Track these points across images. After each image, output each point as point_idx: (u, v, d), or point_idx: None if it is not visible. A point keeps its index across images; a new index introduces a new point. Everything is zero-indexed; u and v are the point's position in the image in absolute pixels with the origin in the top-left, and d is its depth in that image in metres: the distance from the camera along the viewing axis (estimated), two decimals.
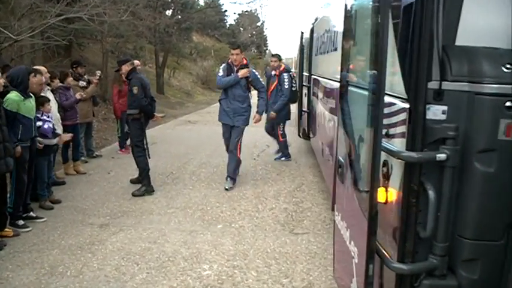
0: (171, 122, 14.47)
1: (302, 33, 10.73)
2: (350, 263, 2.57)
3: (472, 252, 2.07)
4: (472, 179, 2.02)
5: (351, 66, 2.77)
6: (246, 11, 48.60)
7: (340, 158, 2.89)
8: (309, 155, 8.89)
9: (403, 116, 2.13)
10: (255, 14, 50.60)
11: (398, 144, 2.17)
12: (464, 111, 2.01)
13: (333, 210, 4.83)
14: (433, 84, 2.01)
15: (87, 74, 8.68)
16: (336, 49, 5.06)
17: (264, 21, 47.58)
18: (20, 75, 4.89)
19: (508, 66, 1.97)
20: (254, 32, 52.02)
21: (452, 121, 2.01)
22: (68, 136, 6.29)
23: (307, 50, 9.16)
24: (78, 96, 7.24)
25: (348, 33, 2.78)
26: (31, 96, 5.08)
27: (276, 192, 6.55)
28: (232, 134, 6.73)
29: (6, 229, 4.84)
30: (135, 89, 6.47)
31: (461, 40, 2.13)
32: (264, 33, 53.30)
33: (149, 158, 6.65)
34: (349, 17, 2.81)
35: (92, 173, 7.59)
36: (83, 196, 6.31)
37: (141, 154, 6.63)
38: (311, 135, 8.24)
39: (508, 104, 1.93)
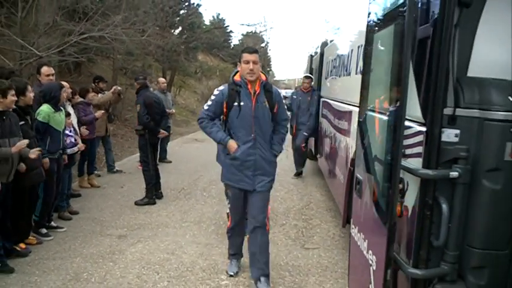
0: (177, 140, 14.73)
1: (311, 56, 11.07)
2: (367, 271, 2.81)
3: (480, 261, 2.31)
4: (481, 195, 2.27)
5: (371, 93, 3.04)
6: (251, 32, 49.25)
7: (358, 176, 3.15)
8: (315, 175, 9.13)
9: (419, 138, 2.39)
10: (260, 35, 51.25)
11: (415, 162, 2.42)
12: (475, 134, 2.27)
13: (343, 226, 5.09)
14: (448, 111, 2.28)
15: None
16: (349, 74, 5.35)
17: (268, 42, 48.10)
18: (53, 90, 5.18)
19: None
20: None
21: (464, 143, 2.27)
22: (83, 146, 6.51)
23: (317, 73, 9.48)
24: (97, 114, 7.49)
25: (369, 61, 3.07)
26: (61, 110, 5.37)
27: (285, 209, 6.78)
28: (252, 203, 4.15)
29: (31, 237, 5.07)
30: (137, 107, 6.89)
31: (472, 72, 2.41)
32: (268, 54, 53.89)
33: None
34: (370, 46, 3.10)
35: (106, 187, 7.84)
36: (99, 208, 6.55)
37: (146, 168, 6.98)
38: (319, 156, 8.49)
39: None
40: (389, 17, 2.68)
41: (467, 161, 2.26)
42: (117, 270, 4.50)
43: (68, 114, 5.86)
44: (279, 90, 4.29)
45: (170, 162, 10.26)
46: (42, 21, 9.67)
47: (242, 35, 47.69)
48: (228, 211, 4.59)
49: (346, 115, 5.34)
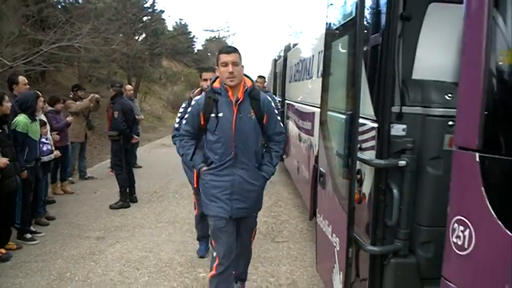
0: (146, 146, 14.86)
1: (275, 60, 11.47)
2: (332, 253, 3.16)
3: (427, 236, 2.68)
4: (426, 180, 2.65)
5: (330, 95, 3.41)
6: (214, 37, 49.41)
7: (322, 169, 3.51)
8: (282, 174, 9.50)
9: (373, 133, 2.76)
10: (223, 40, 51.50)
11: (369, 154, 2.79)
12: (419, 128, 2.65)
13: (310, 219, 5.45)
14: (395, 109, 2.65)
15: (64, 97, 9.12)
16: (311, 77, 5.73)
17: None
18: (30, 100, 5.37)
19: (450, 95, 2.63)
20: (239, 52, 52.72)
21: (410, 136, 2.65)
22: (57, 153, 6.68)
23: (281, 77, 9.88)
24: (69, 119, 7.68)
25: (328, 66, 3.44)
26: (36, 120, 5.55)
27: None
28: (241, 230, 3.72)
29: (10, 242, 5.23)
30: (115, 113, 7.14)
31: (416, 75, 2.80)
32: None
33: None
34: (329, 52, 3.47)
35: (79, 193, 8.00)
36: (74, 213, 6.73)
37: (120, 172, 7.23)
38: (285, 156, 8.87)
39: (450, 123, 2.58)
40: (345, 28, 3.06)
41: (413, 152, 2.63)
42: (99, 269, 4.73)
43: (44, 123, 6.03)
44: (269, 97, 3.70)
45: (140, 167, 10.44)
46: (7, 30, 9.74)
47: (206, 40, 47.88)
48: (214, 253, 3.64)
49: (309, 116, 5.73)
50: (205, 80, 4.35)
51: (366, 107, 2.81)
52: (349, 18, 2.98)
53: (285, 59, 9.40)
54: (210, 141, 3.45)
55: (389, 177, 2.67)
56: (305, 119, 6.07)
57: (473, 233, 1.71)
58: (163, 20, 30.89)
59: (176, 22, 39.70)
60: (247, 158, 3.43)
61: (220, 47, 3.70)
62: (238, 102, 3.37)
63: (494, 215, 1.62)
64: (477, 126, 1.68)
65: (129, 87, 11.10)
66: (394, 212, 2.65)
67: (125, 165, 7.24)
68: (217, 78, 3.49)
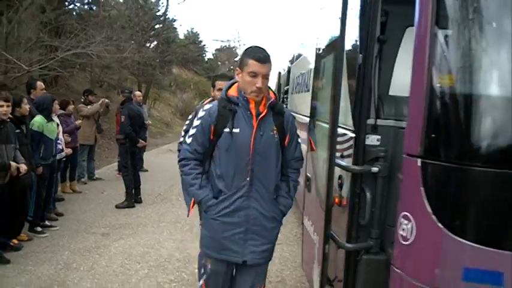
0: (154, 151, 15.26)
1: (279, 73, 11.87)
2: (313, 250, 3.49)
3: None
4: (396, 185, 2.98)
5: (318, 106, 3.77)
6: (225, 46, 49.99)
7: (308, 174, 3.86)
8: None
9: (351, 142, 3.10)
10: (233, 49, 52.08)
11: (348, 161, 3.13)
12: (392, 139, 2.98)
13: (302, 223, 5.78)
14: (370, 121, 3.00)
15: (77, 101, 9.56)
16: (308, 90, 6.08)
17: None
18: (46, 102, 5.80)
19: None
20: (232, 67, 53.35)
21: (383, 146, 2.97)
22: (69, 151, 7.10)
23: (284, 88, 10.26)
24: (78, 122, 8.09)
25: (316, 81, 3.80)
26: (53, 120, 5.96)
27: None
28: (240, 283, 3.01)
29: (22, 234, 5.60)
30: (122, 118, 7.57)
31: (392, 91, 3.15)
32: None
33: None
34: (317, 69, 3.83)
35: (87, 192, 8.39)
36: (82, 211, 7.10)
37: (126, 173, 7.65)
38: None
39: None
40: (330, 47, 3.42)
41: (385, 159, 2.95)
42: (103, 261, 5.09)
43: (58, 125, 6.44)
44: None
45: (147, 171, 10.81)
46: (25, 36, 10.23)
47: (216, 49, 48.50)
48: None
49: (304, 126, 6.07)
50: (220, 89, 3.57)
51: (348, 119, 3.15)
52: (333, 40, 3.33)
53: (289, 71, 9.77)
54: (220, 165, 2.77)
55: (363, 182, 2.99)
56: (301, 129, 6.41)
57: (414, 226, 2.05)
58: (175, 28, 31.57)
59: (188, 31, 40.41)
60: (265, 186, 2.82)
61: (250, 48, 2.84)
62: (260, 116, 2.77)
63: (430, 211, 1.95)
64: (419, 137, 2.02)
65: (138, 93, 11.51)
66: (367, 213, 2.96)
67: (130, 168, 7.63)
68: (233, 84, 2.89)
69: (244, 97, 2.76)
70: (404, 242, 2.13)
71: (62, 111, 7.88)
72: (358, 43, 3.16)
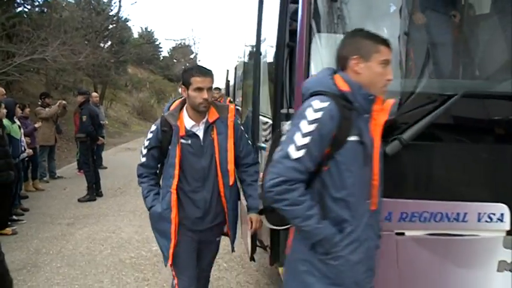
0: (112, 149, 15.75)
1: (227, 70, 12.69)
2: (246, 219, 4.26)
3: None
4: None
5: (246, 99, 4.54)
6: (180, 44, 50.17)
7: None
8: None
9: (270, 128, 3.88)
10: (189, 47, 52.32)
11: (268, 145, 3.91)
12: None
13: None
14: (284, 110, 3.78)
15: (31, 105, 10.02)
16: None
17: (197, 54, 49.25)
18: (9, 106, 6.35)
19: None
20: (188, 64, 53.52)
21: None
22: (30, 152, 7.64)
23: (233, 85, 11.06)
24: (36, 125, 8.60)
25: (246, 79, 4.57)
26: (15, 122, 6.51)
27: None
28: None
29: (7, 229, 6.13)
30: (84, 117, 8.16)
31: None
32: None
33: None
34: (246, 68, 4.61)
35: (50, 190, 8.93)
36: (46, 206, 7.67)
37: (88, 170, 8.25)
38: None
39: None
40: (252, 53, 4.19)
41: None
42: (70, 246, 5.73)
43: (19, 127, 6.99)
44: None
45: (106, 168, 11.35)
46: None
47: (172, 47, 48.56)
48: None
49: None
50: (199, 89, 2.85)
51: (268, 109, 3.93)
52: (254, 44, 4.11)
53: (236, 69, 10.55)
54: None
55: None
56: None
57: None
58: (130, 28, 31.78)
59: (142, 29, 40.49)
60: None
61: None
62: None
63: None
64: None
65: (94, 94, 12.06)
66: None
67: (91, 164, 8.22)
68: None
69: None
70: None
71: (20, 114, 8.38)
72: (273, 48, 3.94)
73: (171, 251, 3.02)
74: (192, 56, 53.69)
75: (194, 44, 45.46)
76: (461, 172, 2.75)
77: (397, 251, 2.73)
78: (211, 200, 3.06)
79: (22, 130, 7.49)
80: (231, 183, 3.07)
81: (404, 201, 2.67)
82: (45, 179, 9.56)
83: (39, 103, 9.43)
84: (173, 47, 48.64)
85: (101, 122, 9.75)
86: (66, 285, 4.58)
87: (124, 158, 13.71)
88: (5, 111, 5.92)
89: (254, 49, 4.19)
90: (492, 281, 2.83)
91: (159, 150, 3.07)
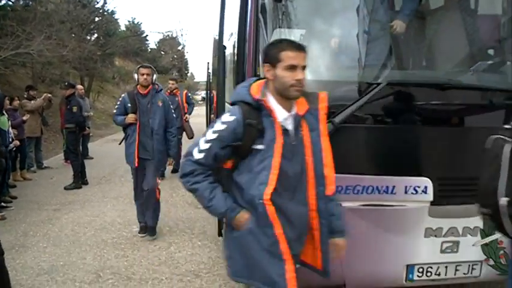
0: (98, 141, 16.11)
1: (208, 63, 13.05)
2: None
3: None
4: None
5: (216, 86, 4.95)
6: (167, 36, 50.23)
7: None
8: None
9: None
10: (176, 39, 52.41)
11: None
12: None
13: None
14: None
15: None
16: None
17: (184, 45, 49.45)
18: None
19: None
20: (175, 56, 53.65)
21: None
22: (17, 143, 8.01)
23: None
24: (25, 118, 8.95)
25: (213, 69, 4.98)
26: (4, 114, 6.88)
27: None
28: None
29: None
30: (74, 108, 8.53)
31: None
32: (185, 57, 55.20)
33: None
34: (213, 61, 5.01)
35: (37, 179, 9.32)
36: (34, 194, 8.05)
37: (74, 158, 8.65)
38: None
39: None
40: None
41: None
42: (56, 228, 6.13)
43: (7, 119, 7.35)
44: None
45: (92, 158, 11.72)
46: None
47: (159, 39, 48.59)
48: None
49: None
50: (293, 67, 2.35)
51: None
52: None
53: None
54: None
55: None
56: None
57: None
58: (116, 20, 31.94)
59: (129, 21, 40.60)
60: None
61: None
62: None
63: None
64: None
65: (80, 86, 12.38)
66: None
67: (79, 153, 8.63)
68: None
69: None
70: None
71: (9, 106, 8.72)
72: (234, 42, 4.35)
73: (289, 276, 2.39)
74: (179, 48, 53.87)
75: (182, 35, 45.38)
76: (388, 150, 3.19)
77: None
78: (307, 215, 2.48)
79: (10, 122, 7.85)
80: (329, 192, 2.51)
81: (339, 176, 3.10)
82: (32, 169, 9.93)
83: (25, 96, 9.78)
84: (160, 39, 48.73)
85: (85, 113, 10.08)
86: (52, 262, 4.98)
87: (110, 148, 14.03)
88: None
89: (218, 42, 4.59)
90: (420, 245, 3.30)
91: (233, 150, 2.36)
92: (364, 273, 3.35)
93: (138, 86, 5.52)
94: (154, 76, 5.60)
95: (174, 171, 9.05)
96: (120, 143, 5.85)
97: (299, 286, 2.49)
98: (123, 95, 5.75)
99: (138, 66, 5.70)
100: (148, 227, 5.74)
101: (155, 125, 5.44)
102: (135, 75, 5.56)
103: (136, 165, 5.48)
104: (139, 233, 5.80)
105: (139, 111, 5.43)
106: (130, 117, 5.39)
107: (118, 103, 5.67)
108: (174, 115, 5.96)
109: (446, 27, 3.66)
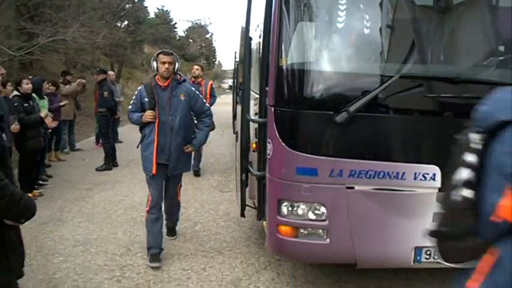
0: (127, 126, 16.41)
1: (235, 52, 13.32)
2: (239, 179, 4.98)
3: None
4: None
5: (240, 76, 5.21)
6: (196, 24, 50.55)
7: (237, 129, 5.33)
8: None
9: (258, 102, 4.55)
10: (205, 27, 52.72)
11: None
12: None
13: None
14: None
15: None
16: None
17: (212, 34, 49.73)
18: (37, 83, 7.16)
19: None
20: (203, 44, 54.04)
21: None
22: (55, 123, 8.48)
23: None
24: (61, 103, 9.40)
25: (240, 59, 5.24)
26: (44, 98, 7.33)
27: (212, 170, 8.96)
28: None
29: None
30: (105, 93, 8.96)
31: None
32: (213, 45, 55.56)
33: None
34: (240, 51, 5.26)
35: (70, 160, 9.79)
36: (67, 174, 8.50)
37: (106, 141, 9.11)
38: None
39: None
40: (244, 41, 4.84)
41: None
42: (89, 206, 6.54)
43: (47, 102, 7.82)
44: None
45: (121, 142, 12.15)
46: (3, 23, 11.37)
47: (188, 27, 48.93)
48: None
49: None
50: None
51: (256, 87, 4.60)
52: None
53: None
54: None
55: (263, 130, 4.45)
56: None
57: (272, 146, 3.53)
58: (146, 7, 32.44)
59: (158, 9, 41.07)
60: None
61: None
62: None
63: (279, 137, 3.43)
64: (272, 96, 3.49)
65: (111, 73, 12.81)
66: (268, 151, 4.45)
67: (110, 136, 9.08)
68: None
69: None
70: (268, 157, 3.62)
71: (48, 91, 9.17)
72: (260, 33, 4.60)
73: None
74: (207, 36, 54.23)
75: (210, 24, 45.66)
76: (399, 139, 3.43)
77: (347, 201, 3.43)
78: None
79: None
80: None
81: (353, 161, 3.37)
82: (65, 150, 10.42)
83: (61, 80, 10.26)
84: (189, 27, 49.03)
85: (116, 99, 10.49)
86: (86, 235, 5.39)
87: (139, 133, 14.48)
88: (30, 86, 6.69)
89: (245, 33, 4.84)
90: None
91: None
92: (374, 253, 3.60)
93: (157, 77, 4.62)
94: (177, 65, 4.69)
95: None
96: (138, 146, 5.07)
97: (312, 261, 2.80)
98: (139, 87, 4.88)
99: (158, 52, 4.72)
100: (168, 228, 5.35)
101: (175, 124, 4.63)
102: (154, 63, 4.64)
103: (154, 172, 4.62)
104: (150, 262, 4.61)
105: (159, 107, 4.58)
106: (149, 115, 4.55)
107: (133, 98, 4.81)
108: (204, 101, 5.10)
109: (467, 21, 3.82)
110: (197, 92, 4.94)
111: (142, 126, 4.79)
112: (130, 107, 4.81)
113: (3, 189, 1.93)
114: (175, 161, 4.69)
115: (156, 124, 4.56)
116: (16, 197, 2.01)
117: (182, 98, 4.65)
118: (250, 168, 4.62)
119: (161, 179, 4.78)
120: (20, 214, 2.10)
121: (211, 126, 5.15)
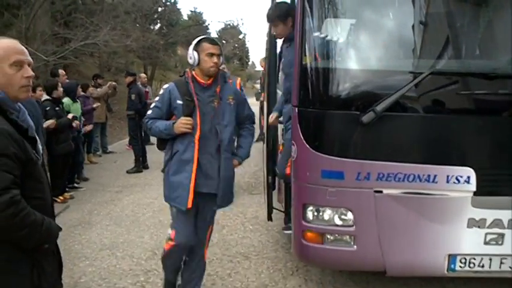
0: None
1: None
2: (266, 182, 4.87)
3: None
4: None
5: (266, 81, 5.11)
6: (229, 24, 50.82)
7: (263, 131, 5.22)
8: None
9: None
10: (237, 27, 52.94)
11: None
12: None
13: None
14: None
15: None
16: None
17: (245, 34, 49.85)
18: (72, 87, 7.32)
19: None
20: (236, 45, 54.27)
21: None
22: (90, 127, 8.63)
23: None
24: (94, 106, 9.52)
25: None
26: (77, 101, 7.44)
27: (242, 172, 8.87)
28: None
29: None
30: (133, 96, 9.00)
31: None
32: (246, 46, 55.69)
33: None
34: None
35: (102, 163, 9.93)
36: (99, 176, 8.60)
37: (135, 143, 9.16)
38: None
39: None
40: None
41: None
42: (118, 209, 6.56)
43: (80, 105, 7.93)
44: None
45: (152, 144, 12.18)
46: (39, 29, 11.63)
47: (221, 29, 49.22)
48: None
49: None
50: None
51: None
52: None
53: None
54: None
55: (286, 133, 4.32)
56: None
57: (296, 149, 3.39)
58: (178, 9, 32.77)
59: (191, 11, 41.42)
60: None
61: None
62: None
63: (303, 139, 3.30)
64: (296, 96, 3.35)
65: (143, 75, 12.94)
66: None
67: (139, 139, 9.11)
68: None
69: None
70: (292, 159, 3.48)
71: (82, 94, 9.31)
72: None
73: None
74: (240, 37, 54.40)
75: (243, 24, 45.75)
76: (430, 139, 3.23)
77: (375, 206, 3.26)
78: None
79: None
80: None
81: (381, 163, 3.19)
82: (98, 153, 10.57)
83: (92, 84, 10.41)
84: (222, 28, 49.34)
85: (148, 101, 10.55)
86: (113, 238, 5.38)
87: None
88: (61, 89, 6.77)
89: (269, 32, 4.72)
90: (463, 235, 3.29)
91: None
92: (404, 261, 3.39)
93: (194, 72, 3.44)
94: (221, 59, 3.46)
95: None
96: (163, 170, 3.90)
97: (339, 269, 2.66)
98: (165, 85, 3.61)
99: (199, 38, 3.49)
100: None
101: (225, 136, 3.43)
102: (194, 54, 3.39)
103: (189, 206, 3.42)
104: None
105: (200, 113, 3.35)
106: (185, 123, 3.28)
107: (157, 99, 3.53)
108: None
109: (504, 12, 3.59)
110: (244, 94, 3.86)
111: (167, 139, 3.57)
112: (149, 112, 3.50)
113: (25, 219, 1.85)
114: (226, 187, 3.60)
115: (197, 137, 3.31)
116: (37, 223, 1.93)
117: (231, 101, 3.48)
118: (278, 170, 4.52)
119: (193, 215, 3.60)
120: (44, 240, 2.03)
121: None
